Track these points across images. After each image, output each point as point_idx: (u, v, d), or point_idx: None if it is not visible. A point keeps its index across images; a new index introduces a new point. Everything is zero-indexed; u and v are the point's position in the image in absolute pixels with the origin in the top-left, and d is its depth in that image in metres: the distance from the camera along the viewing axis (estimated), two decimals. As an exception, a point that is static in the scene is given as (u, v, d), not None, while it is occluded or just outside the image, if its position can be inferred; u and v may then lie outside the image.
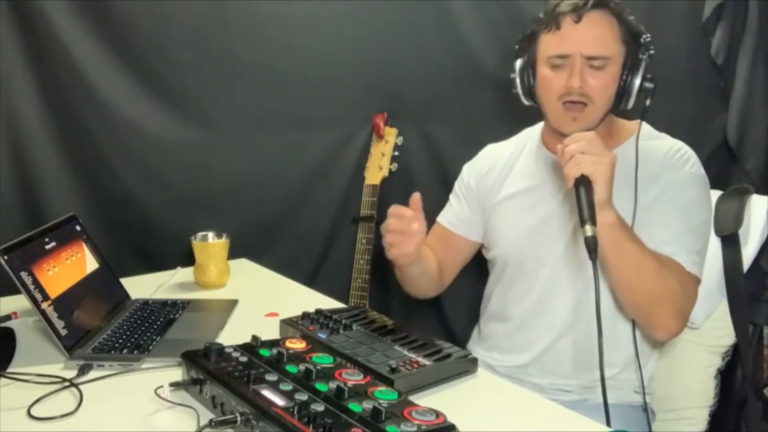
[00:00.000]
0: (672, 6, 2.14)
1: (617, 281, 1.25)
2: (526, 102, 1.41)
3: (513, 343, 1.46)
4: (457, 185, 1.61)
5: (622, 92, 1.32)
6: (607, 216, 1.16)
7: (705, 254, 1.34)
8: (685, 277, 1.28)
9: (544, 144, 1.47)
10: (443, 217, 1.61)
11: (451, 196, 1.62)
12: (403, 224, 1.30)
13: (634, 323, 1.33)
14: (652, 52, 1.32)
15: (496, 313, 1.51)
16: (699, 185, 1.36)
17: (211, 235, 1.68)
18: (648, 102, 1.33)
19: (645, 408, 1.37)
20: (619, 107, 1.35)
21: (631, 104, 1.33)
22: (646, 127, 1.38)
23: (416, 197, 1.31)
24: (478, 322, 1.60)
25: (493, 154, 1.56)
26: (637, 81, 1.31)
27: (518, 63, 1.39)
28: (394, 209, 1.32)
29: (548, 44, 1.33)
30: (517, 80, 1.39)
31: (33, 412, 1.02)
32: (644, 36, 1.32)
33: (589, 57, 1.29)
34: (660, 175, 1.34)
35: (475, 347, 1.55)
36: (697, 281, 1.31)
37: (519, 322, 1.45)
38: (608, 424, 1.10)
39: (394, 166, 2.02)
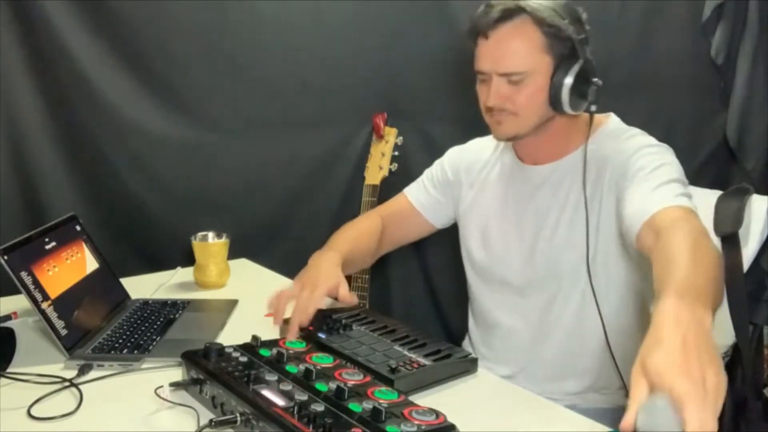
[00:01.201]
0: (672, 6, 2.14)
1: None
2: None
3: (497, 352, 1.45)
4: (436, 167, 1.57)
5: (554, 100, 1.26)
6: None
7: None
8: (696, 219, 1.12)
9: (514, 150, 1.44)
10: (414, 195, 1.58)
11: (426, 176, 1.58)
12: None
13: (603, 325, 1.30)
14: (588, 55, 1.25)
15: (481, 321, 1.50)
16: (660, 151, 1.26)
17: (211, 235, 1.68)
18: (593, 108, 1.27)
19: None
20: (558, 113, 1.28)
21: (569, 109, 1.26)
22: (611, 125, 1.34)
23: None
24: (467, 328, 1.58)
25: (477, 149, 1.53)
26: (566, 87, 1.24)
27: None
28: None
29: (475, 58, 1.30)
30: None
31: (33, 412, 1.02)
32: (577, 37, 1.24)
33: (503, 74, 1.25)
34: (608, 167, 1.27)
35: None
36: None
37: (502, 333, 1.44)
38: None
39: (394, 166, 2.02)
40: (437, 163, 1.58)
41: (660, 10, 2.13)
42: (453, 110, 2.10)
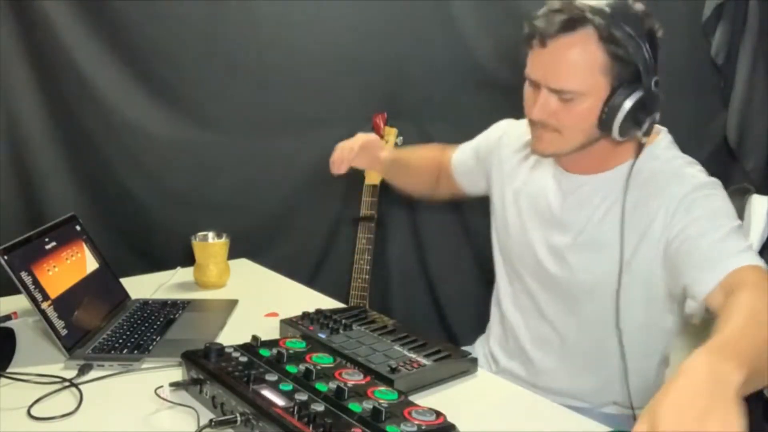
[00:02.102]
0: (672, 6, 2.14)
1: None
2: None
3: (510, 350, 1.42)
4: (483, 136, 1.51)
5: (604, 126, 1.14)
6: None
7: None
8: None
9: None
10: (458, 151, 1.55)
11: (476, 139, 1.52)
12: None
13: (625, 364, 1.23)
14: (652, 85, 1.13)
15: (504, 317, 1.47)
16: (712, 191, 1.16)
17: (211, 235, 1.68)
18: (644, 140, 1.16)
19: (635, 417, 1.34)
20: (606, 137, 1.17)
21: (618, 136, 1.14)
22: (660, 146, 1.24)
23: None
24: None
25: (525, 131, 1.37)
26: (620, 116, 1.12)
27: None
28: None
29: (528, 60, 1.18)
30: None
31: (33, 412, 1.02)
32: (645, 62, 1.10)
33: (554, 90, 1.14)
34: (651, 199, 1.17)
35: (494, 345, 1.49)
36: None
37: (514, 334, 1.41)
38: None
39: (394, 166, 2.02)
40: (487, 131, 1.51)
41: (660, 10, 2.12)
42: (453, 110, 2.10)
